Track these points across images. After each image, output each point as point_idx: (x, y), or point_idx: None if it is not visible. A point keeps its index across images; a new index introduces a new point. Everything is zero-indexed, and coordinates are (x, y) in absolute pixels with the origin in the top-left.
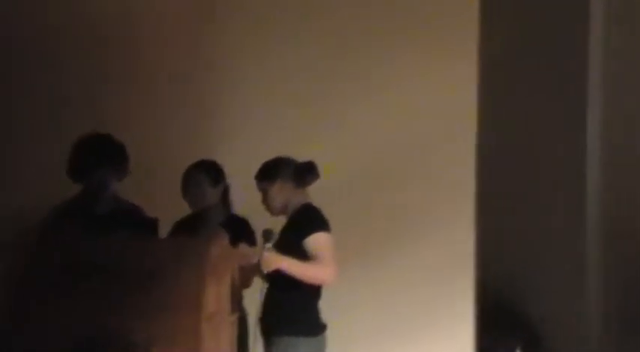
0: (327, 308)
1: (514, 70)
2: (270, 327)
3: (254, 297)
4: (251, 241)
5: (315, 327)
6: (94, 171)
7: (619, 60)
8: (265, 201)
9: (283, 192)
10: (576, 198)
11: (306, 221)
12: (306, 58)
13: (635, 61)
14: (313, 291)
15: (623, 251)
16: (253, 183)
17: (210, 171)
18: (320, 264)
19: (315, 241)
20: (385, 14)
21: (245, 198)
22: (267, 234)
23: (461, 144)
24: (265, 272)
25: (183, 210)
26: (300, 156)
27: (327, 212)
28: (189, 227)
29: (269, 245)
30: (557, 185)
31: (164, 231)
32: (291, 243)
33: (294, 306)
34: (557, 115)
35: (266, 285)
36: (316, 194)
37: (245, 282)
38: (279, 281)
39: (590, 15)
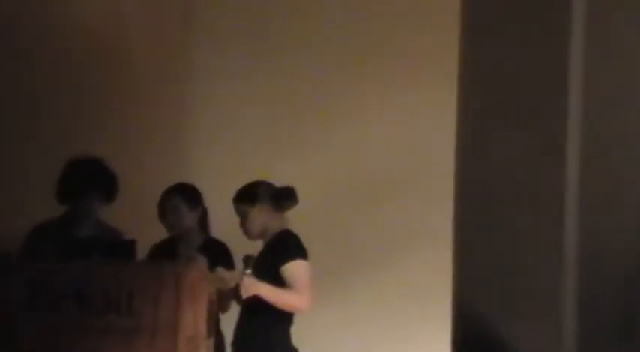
0: (302, 328)
1: (494, 104)
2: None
3: (231, 321)
4: (229, 265)
5: None
6: (83, 197)
7: (597, 92)
8: (243, 224)
9: (262, 216)
10: (554, 221)
11: (285, 248)
12: (286, 78)
13: (614, 84)
14: (285, 316)
15: (600, 277)
16: (232, 206)
17: (187, 195)
18: (296, 292)
19: (293, 269)
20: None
21: (223, 222)
22: (248, 260)
23: (440, 164)
24: (244, 297)
25: (162, 232)
26: (278, 176)
27: (305, 231)
28: (167, 250)
29: (249, 271)
30: (536, 207)
31: (141, 253)
32: (268, 268)
33: (266, 331)
34: (536, 142)
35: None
36: (294, 213)
37: (223, 306)
38: (252, 306)
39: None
